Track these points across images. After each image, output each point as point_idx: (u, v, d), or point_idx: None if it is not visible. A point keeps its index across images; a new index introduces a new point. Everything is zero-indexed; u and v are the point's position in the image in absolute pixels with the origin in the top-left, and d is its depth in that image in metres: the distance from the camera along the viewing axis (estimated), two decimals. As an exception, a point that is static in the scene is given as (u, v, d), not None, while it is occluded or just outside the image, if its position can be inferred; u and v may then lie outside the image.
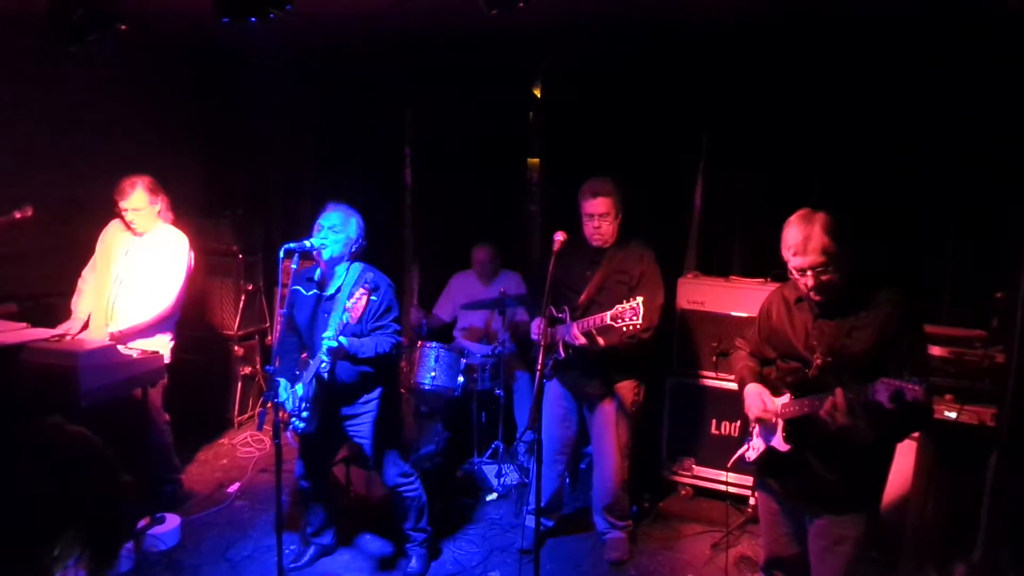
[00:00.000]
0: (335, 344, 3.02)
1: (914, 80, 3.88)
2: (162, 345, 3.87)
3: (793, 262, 2.45)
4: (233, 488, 4.35)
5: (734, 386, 2.88)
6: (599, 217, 3.48)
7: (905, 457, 3.11)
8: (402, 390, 4.44)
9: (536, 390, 2.88)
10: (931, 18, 3.61)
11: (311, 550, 3.60)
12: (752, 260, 4.43)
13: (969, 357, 3.18)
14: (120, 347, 3.53)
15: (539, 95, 5.11)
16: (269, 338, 5.48)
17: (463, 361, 4.44)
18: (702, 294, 4.25)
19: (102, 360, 3.33)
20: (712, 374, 4.24)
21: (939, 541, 2.93)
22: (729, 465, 2.92)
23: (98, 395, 3.27)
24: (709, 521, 4.10)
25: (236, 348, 5.23)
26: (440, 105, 5.24)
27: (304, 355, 3.47)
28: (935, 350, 3.17)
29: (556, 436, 3.72)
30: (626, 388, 3.63)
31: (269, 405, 3.09)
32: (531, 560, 2.94)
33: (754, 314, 2.89)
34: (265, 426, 4.75)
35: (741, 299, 4.11)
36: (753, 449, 2.74)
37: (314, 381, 3.14)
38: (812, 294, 2.48)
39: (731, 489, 3.95)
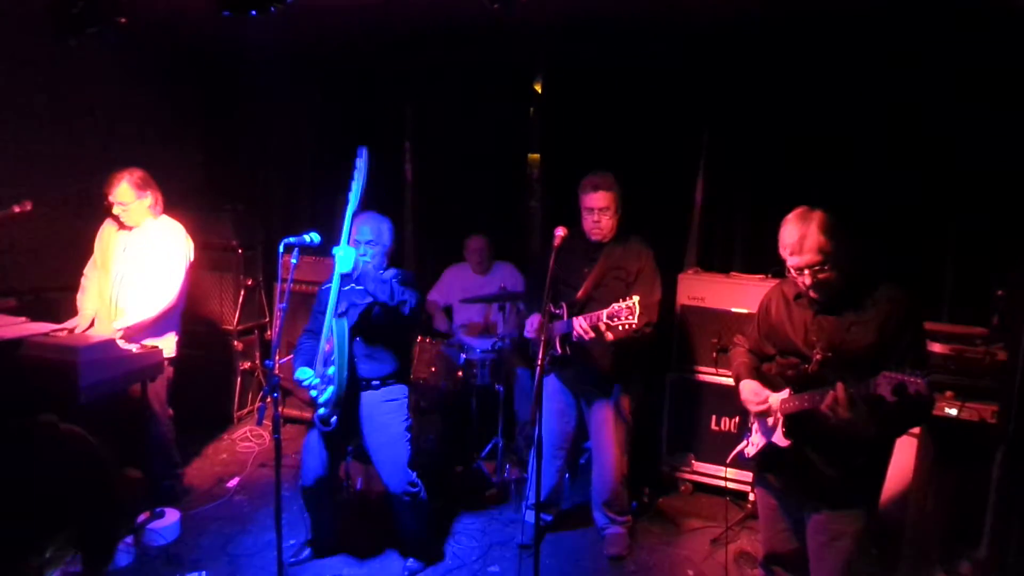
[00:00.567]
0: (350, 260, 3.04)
1: (915, 77, 3.88)
2: (168, 341, 3.87)
3: (790, 261, 2.45)
4: (233, 483, 4.35)
5: (732, 381, 2.88)
6: (599, 211, 3.48)
7: (905, 454, 3.11)
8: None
9: (536, 385, 2.87)
10: (933, 15, 3.61)
11: (308, 548, 3.60)
12: (752, 256, 4.43)
13: (970, 354, 3.18)
14: (121, 342, 3.52)
15: (539, 91, 5.10)
16: (268, 333, 5.48)
17: (463, 356, 4.44)
18: (702, 290, 4.25)
19: (102, 355, 3.32)
20: (712, 370, 4.24)
21: (939, 538, 2.94)
22: (728, 461, 2.93)
23: (98, 390, 3.26)
24: (708, 517, 4.10)
25: (236, 343, 5.23)
26: (440, 101, 5.23)
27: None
28: (936, 347, 3.17)
29: (555, 431, 3.72)
30: (625, 384, 3.63)
31: (269, 400, 3.08)
32: (531, 555, 2.95)
33: (754, 310, 2.89)
34: (264, 421, 4.76)
35: (741, 295, 4.11)
36: (752, 445, 2.75)
37: (343, 330, 3.14)
38: (810, 292, 2.48)
39: (730, 485, 3.96)
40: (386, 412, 3.37)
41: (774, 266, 3.76)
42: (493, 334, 4.58)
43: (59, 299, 4.19)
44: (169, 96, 5.28)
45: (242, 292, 5.25)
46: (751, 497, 3.99)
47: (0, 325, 3.46)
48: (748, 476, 3.98)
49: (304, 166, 5.77)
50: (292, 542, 3.64)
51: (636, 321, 3.00)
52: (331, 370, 3.16)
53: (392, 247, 3.40)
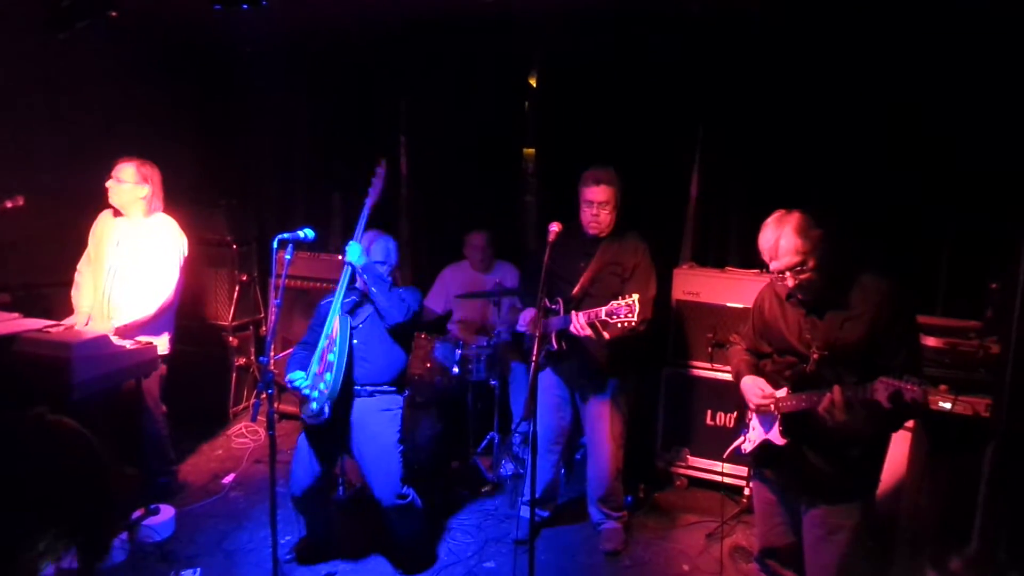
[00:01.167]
0: (358, 247, 3.22)
1: (912, 71, 3.87)
2: (162, 339, 3.86)
3: (771, 265, 2.49)
4: (228, 479, 4.34)
5: (729, 377, 2.89)
6: (599, 205, 3.47)
7: (899, 447, 3.12)
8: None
9: (531, 380, 2.87)
10: (928, 10, 3.61)
11: (307, 543, 3.59)
12: (748, 251, 4.41)
13: (964, 348, 3.18)
14: (114, 338, 3.51)
15: (534, 85, 5.09)
16: (264, 329, 5.46)
17: (458, 352, 4.43)
18: (698, 285, 4.25)
19: (95, 351, 3.31)
20: (707, 365, 4.24)
21: (932, 532, 2.95)
22: (725, 456, 2.93)
23: (91, 386, 3.24)
24: (704, 511, 4.11)
25: (230, 339, 5.21)
26: (435, 95, 5.21)
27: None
28: (930, 340, 3.18)
29: (551, 426, 3.72)
30: (621, 379, 3.63)
31: (263, 396, 3.07)
32: (526, 550, 2.94)
33: (749, 305, 2.90)
34: (259, 417, 4.74)
35: (737, 290, 4.11)
36: (749, 441, 2.75)
37: (342, 320, 3.21)
38: (796, 293, 2.50)
39: (726, 480, 3.96)
40: (378, 422, 3.34)
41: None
42: (490, 333, 4.58)
43: (52, 294, 4.17)
44: (162, 91, 5.25)
45: (237, 288, 5.23)
46: (746, 492, 4.00)
47: (-7, 321, 3.45)
48: (744, 471, 3.98)
49: (298, 161, 5.75)
50: (288, 538, 3.63)
51: (635, 319, 3.00)
52: (331, 356, 3.17)
53: (397, 264, 3.50)
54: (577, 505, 4.02)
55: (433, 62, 5.11)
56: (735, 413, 3.82)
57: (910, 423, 3.15)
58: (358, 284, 3.37)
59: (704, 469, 4.28)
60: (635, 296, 3.01)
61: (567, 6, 4.16)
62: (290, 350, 3.72)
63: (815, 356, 2.47)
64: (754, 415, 2.73)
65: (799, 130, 4.24)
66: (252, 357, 5.36)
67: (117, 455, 3.31)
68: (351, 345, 3.26)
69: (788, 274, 2.44)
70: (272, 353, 3.20)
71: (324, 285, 4.85)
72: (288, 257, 3.11)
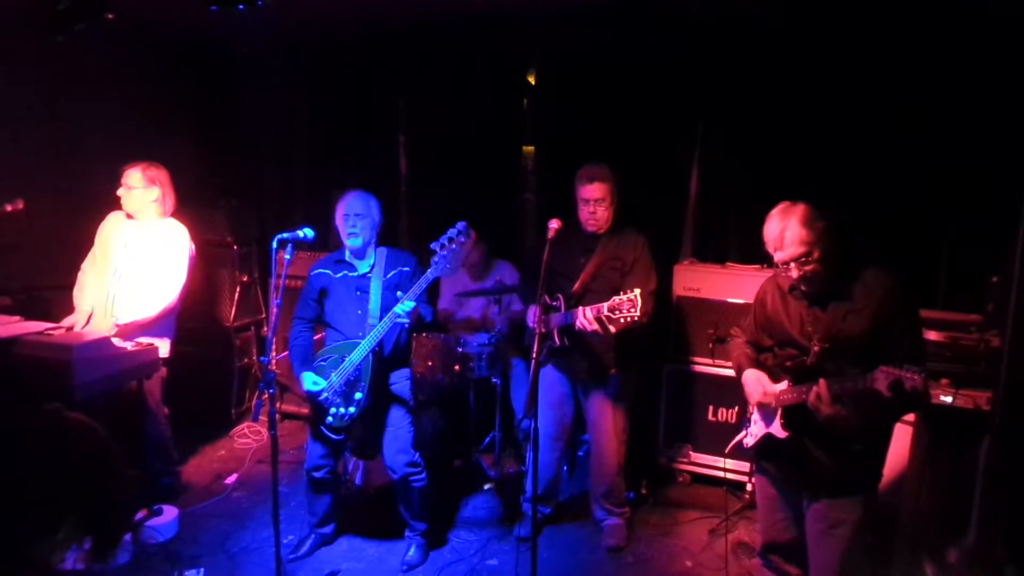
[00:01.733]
0: (412, 304, 3.17)
1: (910, 64, 3.87)
2: (163, 343, 3.86)
3: (776, 256, 2.49)
4: (231, 479, 4.35)
5: (731, 373, 2.89)
6: (595, 203, 3.48)
7: (900, 441, 3.11)
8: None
9: (532, 378, 2.87)
10: (927, 9, 3.60)
11: (310, 540, 3.61)
12: (748, 247, 4.42)
13: (964, 341, 3.18)
14: (116, 340, 3.51)
15: (533, 83, 5.08)
16: (265, 329, 5.47)
17: (459, 350, 4.43)
18: (698, 281, 4.25)
19: (96, 353, 3.31)
20: (709, 361, 4.24)
21: (933, 526, 2.95)
22: (727, 451, 2.93)
23: (92, 388, 3.25)
24: (706, 507, 4.11)
25: (232, 339, 5.21)
26: (434, 93, 5.21)
27: (318, 336, 3.57)
28: (931, 335, 3.17)
29: (552, 422, 3.72)
30: (622, 375, 3.63)
31: (265, 396, 3.09)
32: (529, 547, 2.95)
33: (750, 300, 2.90)
34: (261, 417, 4.76)
35: (737, 285, 4.11)
36: (751, 435, 2.75)
37: (370, 357, 3.24)
38: (800, 285, 2.50)
39: (728, 475, 3.96)
40: (389, 396, 3.43)
41: (769, 256, 3.77)
42: (491, 331, 4.57)
43: (52, 297, 4.18)
44: (162, 92, 5.25)
45: (238, 289, 5.24)
46: (749, 487, 4.00)
47: (-5, 324, 3.45)
48: (746, 466, 3.99)
49: (298, 161, 5.75)
50: (290, 538, 3.65)
51: (638, 314, 3.00)
52: (358, 395, 3.25)
53: (380, 223, 3.48)
54: (580, 502, 4.03)
55: (431, 60, 5.10)
56: (736, 409, 3.82)
57: (911, 417, 3.14)
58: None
59: (706, 465, 4.28)
60: (636, 291, 3.02)
61: (565, 3, 4.15)
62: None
63: (816, 349, 2.47)
64: (755, 409, 2.73)
65: (799, 126, 4.23)
66: (254, 357, 5.37)
67: (121, 456, 3.32)
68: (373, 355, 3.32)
69: (792, 265, 2.43)
70: (273, 353, 3.20)
71: (314, 266, 4.86)
72: (288, 257, 3.11)
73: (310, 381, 3.28)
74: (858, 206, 3.98)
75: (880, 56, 3.92)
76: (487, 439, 4.63)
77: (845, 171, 4.06)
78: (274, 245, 3.04)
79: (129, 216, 3.91)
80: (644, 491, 4.23)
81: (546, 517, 3.90)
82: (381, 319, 3.25)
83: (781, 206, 2.48)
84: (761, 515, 2.87)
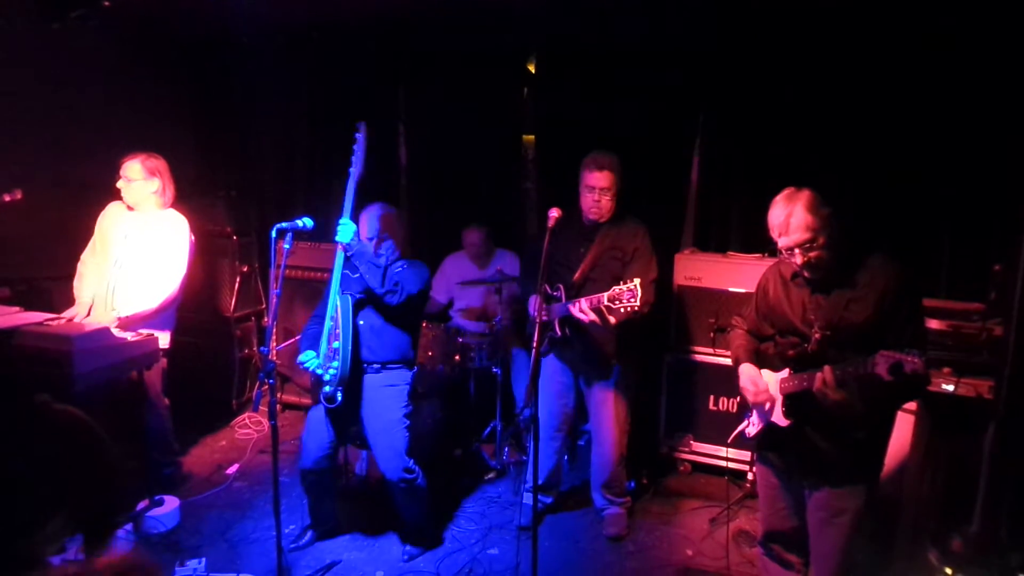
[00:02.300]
0: (349, 222, 3.13)
1: (914, 51, 3.84)
2: (163, 334, 3.86)
3: (780, 242, 2.47)
4: (232, 469, 4.36)
5: (731, 363, 2.88)
6: (600, 191, 3.46)
7: (902, 430, 3.11)
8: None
9: (532, 367, 2.86)
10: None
11: (311, 532, 3.61)
12: (749, 236, 4.41)
13: (967, 330, 3.17)
14: (116, 330, 3.51)
15: (533, 71, 5.05)
16: (265, 319, 5.46)
17: (459, 340, 4.43)
18: (699, 270, 4.24)
19: (96, 343, 3.30)
20: (710, 350, 4.24)
21: (935, 514, 2.95)
22: (730, 441, 2.93)
23: (92, 378, 3.23)
24: (707, 496, 4.12)
25: (233, 330, 5.21)
26: (433, 82, 5.18)
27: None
28: (933, 323, 3.16)
29: (554, 412, 3.72)
30: (624, 365, 3.62)
31: (265, 386, 3.08)
32: (530, 537, 2.95)
33: (752, 290, 2.88)
34: (262, 407, 4.76)
35: (739, 275, 4.10)
36: (752, 424, 2.75)
37: (344, 303, 3.19)
38: (804, 271, 2.48)
39: (729, 464, 3.96)
40: (385, 398, 3.37)
41: (771, 245, 3.76)
42: (491, 320, 4.57)
43: (52, 288, 4.17)
44: (161, 83, 5.23)
45: (238, 279, 5.22)
46: (750, 476, 4.01)
47: (-5, 315, 3.45)
48: (747, 455, 3.99)
49: (297, 151, 5.72)
50: (292, 528, 3.65)
51: (638, 304, 2.99)
52: (336, 344, 3.17)
53: (390, 234, 3.41)
54: (581, 491, 4.03)
55: (431, 49, 5.07)
56: (738, 398, 3.81)
57: (912, 406, 3.14)
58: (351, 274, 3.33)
59: (707, 454, 4.29)
60: (636, 280, 3.00)
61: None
62: (291, 340, 3.72)
63: (817, 336, 2.46)
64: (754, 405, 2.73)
65: (800, 115, 4.21)
66: (254, 348, 5.37)
67: (119, 446, 3.32)
68: (356, 325, 3.27)
69: (797, 251, 2.42)
70: (273, 343, 3.20)
71: (324, 275, 4.83)
72: (287, 247, 3.11)
73: (306, 356, 3.23)
74: (861, 194, 3.96)
75: (883, 43, 3.89)
76: (488, 429, 4.64)
77: (848, 159, 4.04)
78: (274, 235, 3.03)
79: (129, 207, 3.90)
80: (645, 480, 4.24)
81: (547, 507, 3.91)
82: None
83: (786, 192, 2.47)
84: (762, 504, 2.87)
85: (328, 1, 4.39)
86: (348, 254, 3.20)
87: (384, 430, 3.35)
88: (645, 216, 3.67)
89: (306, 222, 3.10)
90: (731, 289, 4.13)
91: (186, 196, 4.14)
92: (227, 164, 5.70)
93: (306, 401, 4.88)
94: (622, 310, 3.05)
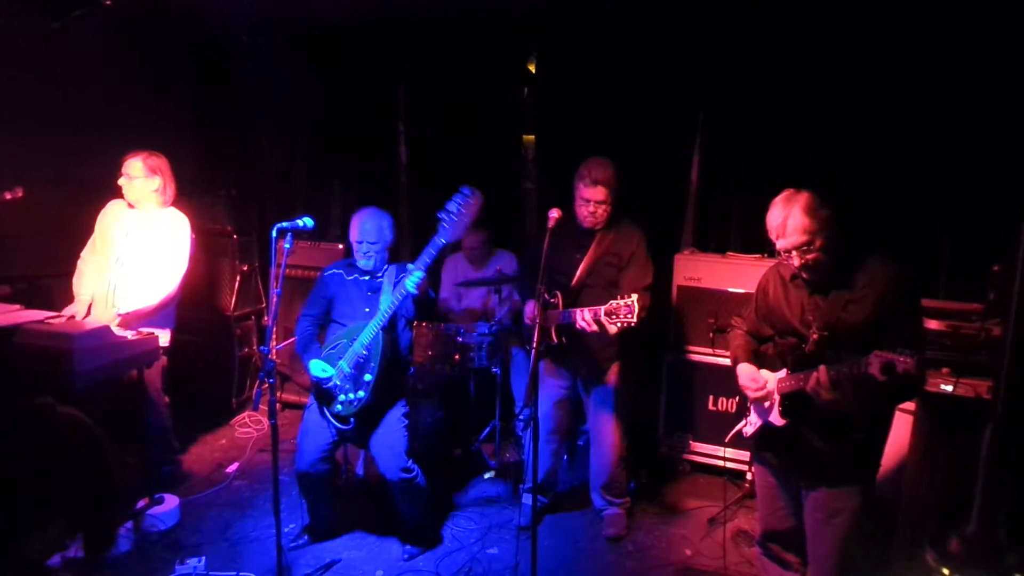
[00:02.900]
0: (422, 274, 3.13)
1: (913, 51, 3.84)
2: (163, 333, 3.86)
3: (778, 244, 2.48)
4: (232, 468, 4.36)
5: (730, 363, 2.89)
6: (596, 203, 3.43)
7: (901, 430, 3.11)
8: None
9: (532, 368, 2.87)
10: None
11: (311, 531, 3.61)
12: (749, 236, 4.41)
13: (965, 330, 3.17)
14: (116, 329, 3.51)
15: (533, 71, 5.06)
16: (266, 319, 5.47)
17: (459, 340, 4.42)
18: (699, 271, 4.24)
19: (97, 341, 3.31)
20: (709, 350, 4.24)
21: (933, 515, 2.95)
22: (727, 441, 2.93)
23: (93, 376, 3.24)
24: (706, 496, 4.12)
25: (233, 329, 5.21)
26: (433, 81, 5.18)
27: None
28: (932, 323, 3.17)
29: (551, 414, 3.72)
30: (622, 366, 3.62)
31: (265, 385, 3.09)
32: (529, 536, 2.96)
33: (751, 290, 2.89)
34: (262, 406, 4.77)
35: (738, 275, 4.10)
36: (750, 424, 2.76)
37: (380, 336, 3.22)
38: (802, 273, 2.49)
39: (728, 465, 3.97)
40: (383, 398, 3.38)
41: (770, 246, 3.76)
42: (491, 321, 4.57)
43: (53, 286, 4.18)
44: (161, 81, 5.23)
45: (238, 278, 5.23)
46: (748, 476, 4.01)
47: (-5, 313, 3.45)
48: (746, 456, 4.00)
49: (298, 150, 5.73)
50: (292, 526, 3.66)
51: (635, 320, 2.99)
52: (367, 376, 3.23)
53: (393, 240, 3.50)
54: (580, 491, 4.04)
55: (432, 48, 5.08)
56: (737, 399, 3.82)
57: (911, 406, 3.14)
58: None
59: (706, 454, 4.29)
60: (634, 297, 3.00)
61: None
62: (291, 340, 3.72)
63: (814, 336, 2.47)
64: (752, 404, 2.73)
65: (800, 115, 4.21)
66: (254, 347, 5.37)
67: (120, 445, 3.33)
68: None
69: (795, 253, 2.43)
70: (273, 342, 3.21)
71: (325, 268, 4.88)
72: (288, 246, 3.11)
73: (319, 368, 3.27)
74: (860, 195, 3.97)
75: (883, 43, 3.89)
76: (487, 428, 4.64)
77: (847, 160, 4.05)
78: (274, 234, 3.04)
79: (130, 205, 3.90)
80: (644, 480, 4.24)
81: (546, 506, 3.91)
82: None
83: (785, 194, 2.47)
84: (761, 503, 2.88)
85: (328, 1, 4.39)
86: (415, 299, 3.22)
87: (383, 431, 3.36)
88: (644, 216, 3.68)
89: (307, 222, 3.10)
90: (730, 290, 4.14)
91: (186, 195, 4.14)
92: (227, 163, 5.70)
93: (305, 400, 4.88)
94: (619, 324, 3.06)
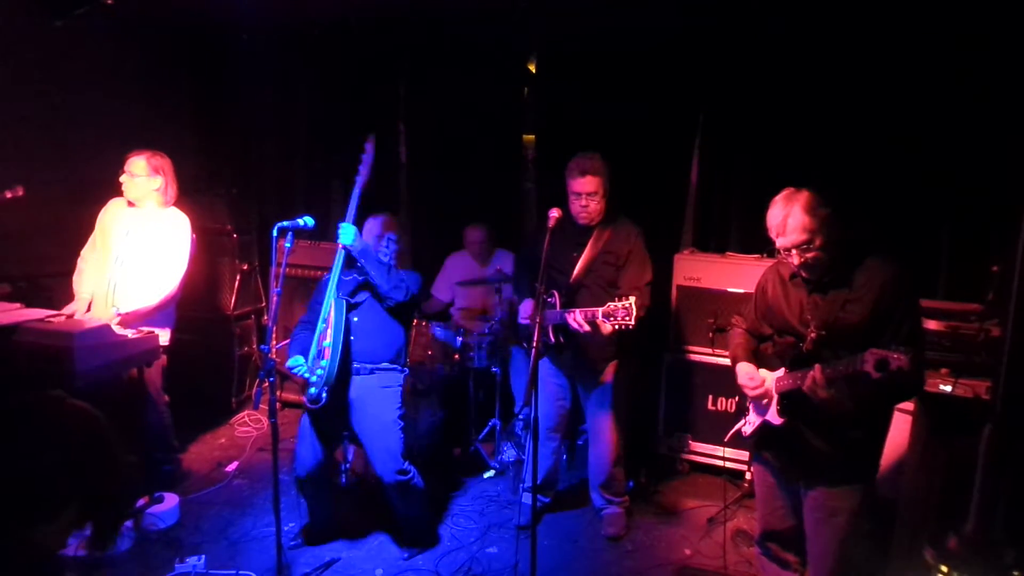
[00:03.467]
0: (350, 226, 3.22)
1: (912, 51, 3.85)
2: (163, 332, 3.86)
3: (777, 243, 2.48)
4: (232, 467, 4.37)
5: (729, 362, 2.89)
6: (587, 196, 3.42)
7: (900, 430, 3.12)
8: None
9: (531, 367, 2.87)
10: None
11: (310, 530, 3.60)
12: (748, 236, 4.42)
13: (964, 331, 3.18)
14: (117, 327, 3.51)
15: (533, 71, 5.06)
16: (265, 318, 5.47)
17: (459, 339, 4.44)
18: (699, 271, 4.25)
19: (97, 340, 3.32)
20: (708, 350, 4.24)
21: (932, 514, 2.96)
22: (726, 440, 2.94)
23: (94, 375, 3.25)
24: (705, 496, 4.12)
25: (233, 328, 5.22)
26: (433, 81, 5.19)
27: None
28: (931, 324, 3.17)
29: (550, 413, 3.72)
30: (621, 365, 3.63)
31: (265, 384, 3.09)
32: (529, 536, 2.96)
33: (750, 290, 2.90)
34: (261, 405, 4.77)
35: (738, 275, 4.11)
36: (749, 424, 2.76)
37: (339, 305, 3.23)
38: (801, 272, 2.49)
39: (727, 464, 3.97)
40: (378, 399, 3.36)
41: (769, 246, 3.77)
42: (491, 319, 4.58)
43: (53, 284, 4.18)
44: (161, 80, 5.23)
45: (238, 277, 5.23)
46: (748, 476, 4.01)
47: (-4, 311, 3.45)
48: (745, 455, 4.00)
49: (297, 149, 5.73)
50: (291, 525, 3.66)
51: (632, 322, 2.99)
52: (326, 343, 3.17)
53: (396, 241, 3.53)
54: (579, 491, 4.04)
55: (432, 48, 5.08)
56: (736, 398, 3.83)
57: (910, 406, 3.15)
58: (359, 265, 3.35)
59: (705, 454, 4.30)
60: (632, 300, 3.00)
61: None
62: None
63: (812, 335, 2.47)
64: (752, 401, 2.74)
65: (799, 115, 4.22)
66: (254, 346, 5.37)
67: (121, 444, 3.33)
68: (350, 322, 3.28)
69: (794, 252, 2.43)
70: (273, 341, 3.21)
71: (324, 273, 4.87)
72: (288, 245, 3.12)
73: (293, 361, 3.23)
74: (860, 194, 3.97)
75: (882, 44, 3.90)
76: (487, 428, 4.65)
77: (847, 159, 4.05)
78: (274, 233, 3.04)
79: (130, 203, 3.90)
80: (643, 480, 4.24)
81: (546, 506, 3.92)
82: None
83: (785, 192, 2.48)
84: (760, 503, 2.88)
85: (328, 0, 4.40)
86: (353, 253, 3.23)
87: (378, 432, 3.34)
88: (644, 216, 3.68)
89: (307, 221, 3.11)
90: (730, 289, 4.14)
91: (187, 194, 4.15)
92: (227, 163, 5.71)
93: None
94: (616, 326, 3.06)
